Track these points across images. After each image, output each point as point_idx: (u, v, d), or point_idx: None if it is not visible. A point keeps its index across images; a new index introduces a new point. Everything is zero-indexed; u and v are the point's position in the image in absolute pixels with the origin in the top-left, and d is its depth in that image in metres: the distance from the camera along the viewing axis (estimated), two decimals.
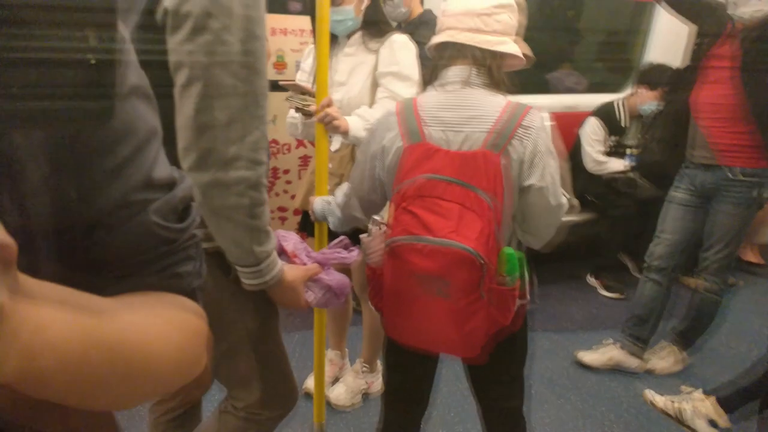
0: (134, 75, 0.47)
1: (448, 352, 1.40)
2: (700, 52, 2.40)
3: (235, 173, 0.96)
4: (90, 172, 0.44)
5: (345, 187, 1.52)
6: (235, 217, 1.00)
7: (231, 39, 0.91)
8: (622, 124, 3.37)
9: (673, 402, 2.32)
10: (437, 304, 1.24)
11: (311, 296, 1.26)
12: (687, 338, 2.72)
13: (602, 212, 3.44)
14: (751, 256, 4.01)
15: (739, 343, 3.01)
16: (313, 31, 1.67)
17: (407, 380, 1.59)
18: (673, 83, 2.82)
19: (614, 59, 4.20)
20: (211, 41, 0.90)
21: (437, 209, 1.22)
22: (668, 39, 3.65)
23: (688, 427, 2.25)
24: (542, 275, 3.36)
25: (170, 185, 0.51)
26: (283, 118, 2.21)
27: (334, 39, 1.98)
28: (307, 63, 2.15)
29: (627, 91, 3.53)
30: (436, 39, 1.35)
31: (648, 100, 3.26)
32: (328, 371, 2.40)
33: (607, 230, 3.45)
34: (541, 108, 1.33)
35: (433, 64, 1.39)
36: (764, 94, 2.23)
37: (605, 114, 3.37)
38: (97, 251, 0.46)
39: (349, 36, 2.01)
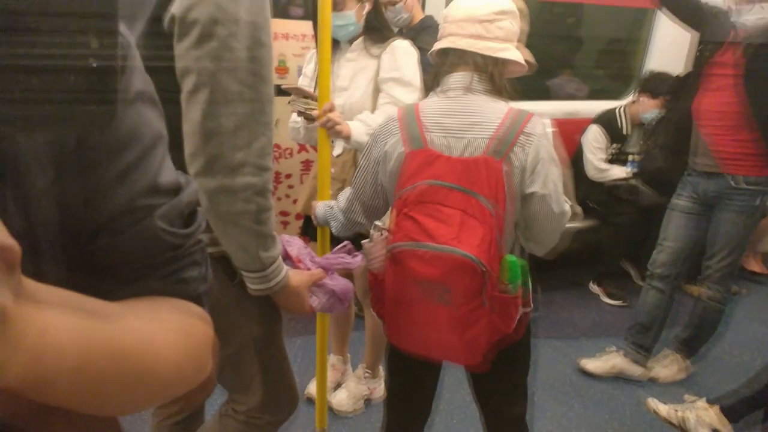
0: (140, 80, 0.47)
1: (449, 359, 1.39)
2: (702, 59, 2.40)
3: (242, 179, 0.97)
4: (96, 177, 0.44)
5: (347, 191, 1.53)
6: (242, 222, 1.00)
7: (238, 46, 0.92)
8: (624, 132, 3.37)
9: (676, 411, 2.31)
10: (438, 310, 1.24)
11: (315, 301, 1.26)
12: (690, 346, 2.71)
13: (605, 219, 3.43)
14: (755, 266, 3.99)
15: (743, 352, 3.00)
16: (315, 36, 1.68)
17: (410, 386, 1.58)
18: (675, 90, 2.82)
19: (615, 66, 4.21)
20: (218, 48, 0.91)
21: (439, 215, 1.22)
22: (669, 46, 3.65)
23: None
24: (545, 282, 3.38)
25: (176, 190, 0.51)
26: (286, 122, 2.22)
27: (335, 44, 1.99)
28: (309, 68, 2.15)
29: (628, 98, 3.53)
30: (438, 45, 1.35)
31: (650, 109, 3.25)
32: (331, 377, 2.40)
33: (610, 237, 3.44)
34: (542, 114, 1.33)
35: (435, 70, 1.39)
36: (767, 102, 2.23)
37: (607, 121, 3.37)
38: (103, 256, 0.46)
39: (350, 41, 2.01)
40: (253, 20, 0.93)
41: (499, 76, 1.32)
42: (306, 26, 2.80)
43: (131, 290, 0.48)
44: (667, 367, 2.70)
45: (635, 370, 2.67)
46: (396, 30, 2.63)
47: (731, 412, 2.19)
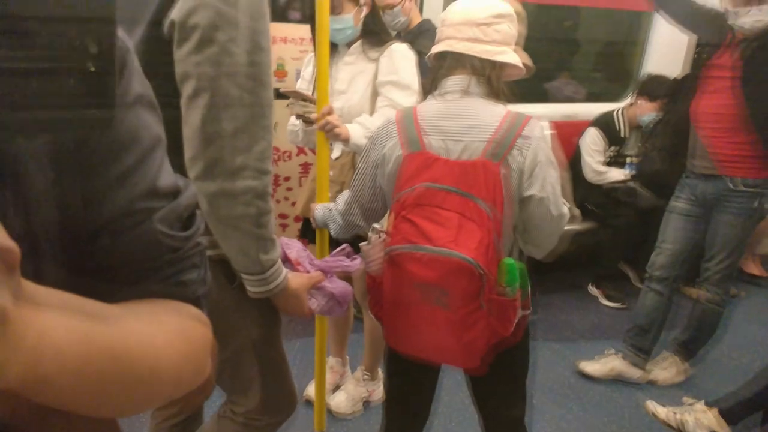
0: (138, 84, 0.48)
1: (447, 362, 1.40)
2: (699, 61, 2.40)
3: (242, 183, 0.98)
4: (95, 180, 0.45)
5: (346, 194, 1.53)
6: (242, 226, 1.01)
7: (237, 51, 0.92)
8: (622, 135, 3.37)
9: (675, 413, 2.31)
10: (436, 313, 1.24)
11: (314, 304, 1.26)
12: (689, 349, 2.71)
13: (603, 221, 3.44)
14: (754, 269, 3.99)
15: (742, 354, 3.00)
16: (313, 39, 1.68)
17: (408, 389, 1.58)
18: (673, 93, 2.82)
19: (613, 69, 4.22)
20: (218, 53, 0.91)
21: (436, 218, 1.22)
22: (667, 49, 3.66)
23: None
24: (544, 285, 3.38)
25: (175, 193, 0.51)
26: (284, 125, 2.22)
27: (334, 48, 2.00)
28: (308, 71, 2.16)
29: (626, 101, 3.54)
30: (436, 48, 1.36)
31: (647, 112, 3.26)
32: (329, 379, 2.39)
33: (608, 239, 3.44)
34: (541, 117, 1.33)
35: (433, 73, 1.40)
36: (765, 105, 2.23)
37: (605, 124, 3.38)
38: (102, 259, 0.47)
39: (348, 45, 2.02)
40: (253, 25, 0.94)
41: (496, 79, 1.32)
42: (304, 30, 2.80)
43: (130, 293, 0.48)
44: (665, 369, 2.70)
45: (634, 373, 2.67)
46: (394, 33, 2.63)
47: (730, 415, 2.19)
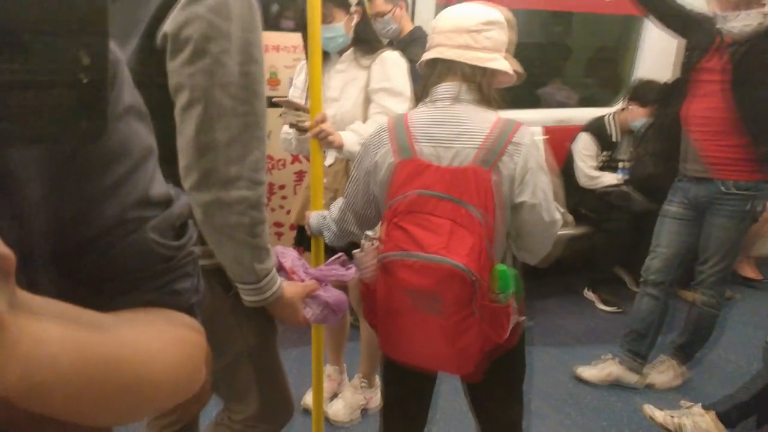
0: (129, 95, 0.48)
1: (441, 369, 1.40)
2: (689, 65, 2.42)
3: (236, 193, 0.98)
4: (86, 190, 0.45)
5: (340, 201, 1.53)
6: (236, 235, 1.01)
7: (230, 62, 0.93)
8: (614, 139, 3.39)
9: (672, 417, 2.31)
10: (429, 320, 1.24)
11: (309, 312, 1.26)
12: (686, 352, 2.71)
13: (597, 226, 3.45)
14: (748, 271, 3.99)
15: (738, 357, 3.01)
16: (305, 47, 1.69)
17: (405, 396, 1.58)
18: (664, 97, 2.84)
19: (605, 74, 4.25)
20: (211, 64, 0.92)
21: (428, 225, 1.22)
22: (658, 53, 3.68)
23: None
24: (539, 290, 3.38)
25: (167, 203, 0.51)
26: (278, 133, 2.23)
27: (326, 56, 2.01)
28: (300, 79, 2.17)
29: (618, 106, 3.56)
30: (426, 56, 1.37)
31: (639, 117, 3.28)
32: (327, 387, 2.39)
33: (603, 244, 3.45)
34: (533, 123, 1.34)
35: (424, 80, 1.40)
36: (755, 108, 2.25)
37: (596, 129, 3.40)
38: (95, 268, 0.47)
39: (340, 53, 2.03)
40: (245, 36, 0.95)
41: (487, 86, 1.33)
42: (297, 38, 2.80)
43: (124, 302, 0.48)
44: (663, 373, 2.71)
45: (631, 378, 2.67)
46: (385, 41, 2.65)
47: (727, 418, 2.19)
